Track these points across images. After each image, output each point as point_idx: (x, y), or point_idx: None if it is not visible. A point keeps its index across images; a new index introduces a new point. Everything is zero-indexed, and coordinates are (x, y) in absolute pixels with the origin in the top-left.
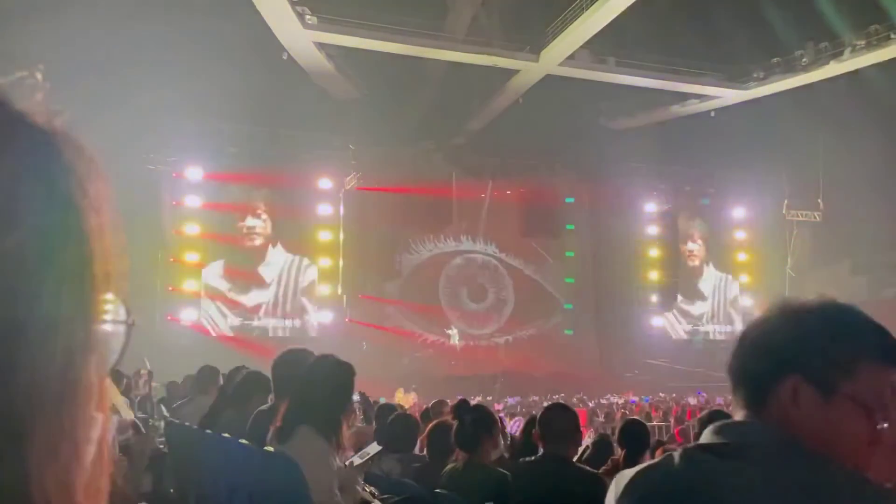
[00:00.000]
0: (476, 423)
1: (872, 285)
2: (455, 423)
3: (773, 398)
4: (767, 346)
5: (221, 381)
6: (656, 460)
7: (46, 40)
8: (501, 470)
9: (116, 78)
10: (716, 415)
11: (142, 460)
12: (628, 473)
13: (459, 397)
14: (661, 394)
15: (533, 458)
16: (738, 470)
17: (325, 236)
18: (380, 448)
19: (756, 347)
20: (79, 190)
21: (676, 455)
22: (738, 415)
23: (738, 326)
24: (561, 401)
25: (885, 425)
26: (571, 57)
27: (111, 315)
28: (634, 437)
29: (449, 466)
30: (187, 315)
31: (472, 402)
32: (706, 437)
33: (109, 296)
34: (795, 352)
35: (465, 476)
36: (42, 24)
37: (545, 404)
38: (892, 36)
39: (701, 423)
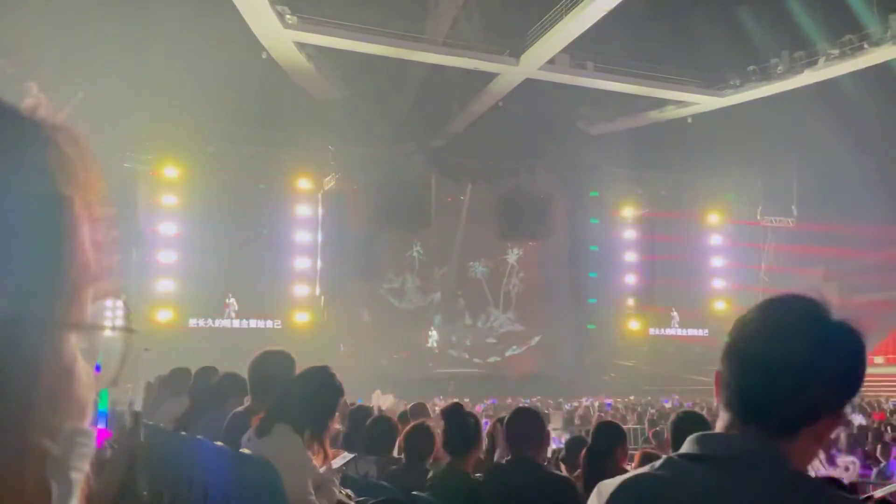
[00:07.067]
0: (470, 429)
1: (843, 290)
2: (444, 427)
3: (806, 434)
4: (805, 382)
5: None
6: (642, 469)
7: (22, 34)
8: (477, 477)
9: (93, 73)
10: (687, 418)
11: (123, 462)
12: (613, 482)
13: (439, 399)
14: (631, 397)
15: (503, 461)
16: (723, 481)
17: (303, 237)
18: (352, 455)
19: (789, 378)
20: (64, 180)
21: (660, 463)
22: (750, 438)
23: (711, 330)
24: (538, 403)
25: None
26: (551, 61)
27: (108, 320)
28: (605, 436)
29: (432, 471)
30: (161, 315)
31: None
32: (688, 446)
33: (109, 301)
34: (836, 394)
35: (444, 480)
36: (18, 18)
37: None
38: (866, 46)
39: (674, 427)
